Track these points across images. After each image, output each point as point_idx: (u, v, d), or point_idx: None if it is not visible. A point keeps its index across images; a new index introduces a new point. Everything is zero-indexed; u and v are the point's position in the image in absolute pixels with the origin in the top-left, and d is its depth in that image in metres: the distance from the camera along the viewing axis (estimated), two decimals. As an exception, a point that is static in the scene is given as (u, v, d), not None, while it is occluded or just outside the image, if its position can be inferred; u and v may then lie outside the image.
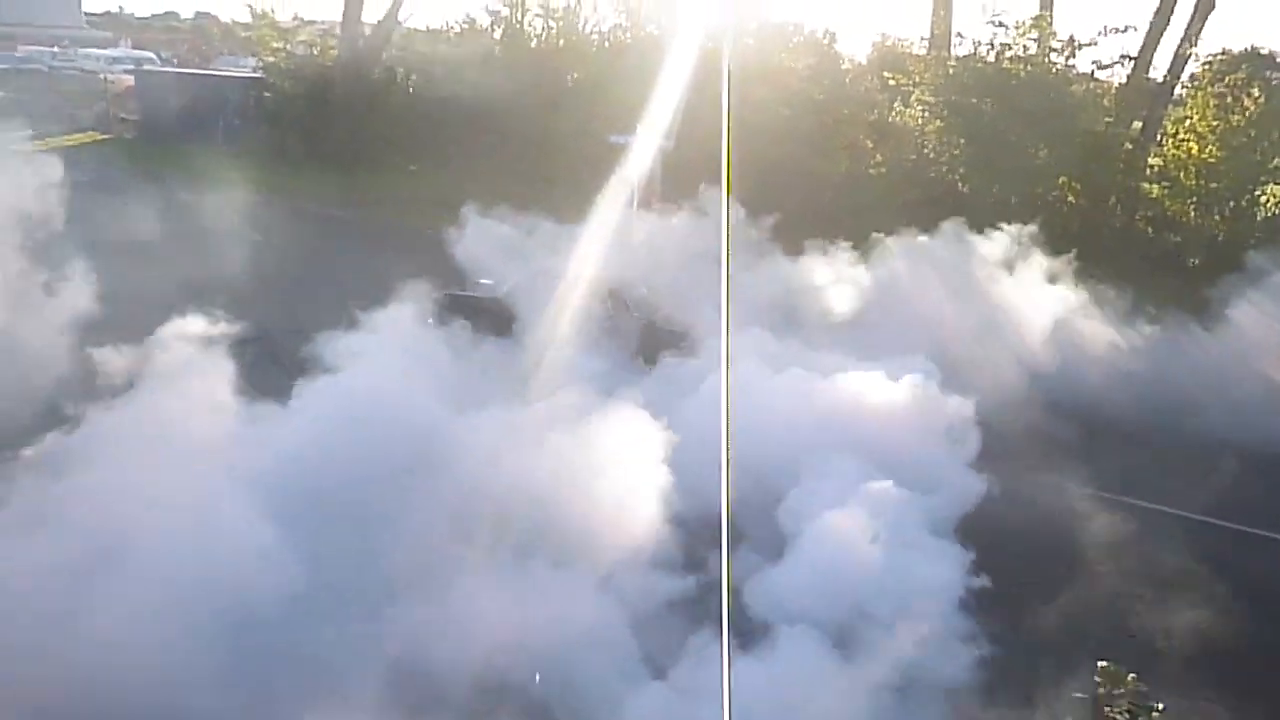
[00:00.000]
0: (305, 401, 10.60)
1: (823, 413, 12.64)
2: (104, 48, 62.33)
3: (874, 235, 20.16)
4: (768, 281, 18.20)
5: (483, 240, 17.68)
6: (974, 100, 28.12)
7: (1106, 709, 6.21)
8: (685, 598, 9.43)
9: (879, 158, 29.48)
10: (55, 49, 57.57)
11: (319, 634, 8.01)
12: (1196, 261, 25.94)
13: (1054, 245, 20.69)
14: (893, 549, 9.71)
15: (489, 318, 15.17)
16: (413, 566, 8.91)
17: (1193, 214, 27.37)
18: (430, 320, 14.22)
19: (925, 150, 29.41)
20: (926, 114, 29.50)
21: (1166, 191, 27.60)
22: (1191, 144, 27.24)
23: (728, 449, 5.08)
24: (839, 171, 28.60)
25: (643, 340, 15.96)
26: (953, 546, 10.26)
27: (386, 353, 11.77)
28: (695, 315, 15.44)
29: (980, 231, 20.51)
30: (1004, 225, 20.73)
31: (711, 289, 16.08)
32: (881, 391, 12.99)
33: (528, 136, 30.70)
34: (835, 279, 19.08)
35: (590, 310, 15.17)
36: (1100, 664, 6.42)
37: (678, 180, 20.42)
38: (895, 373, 13.32)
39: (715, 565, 9.63)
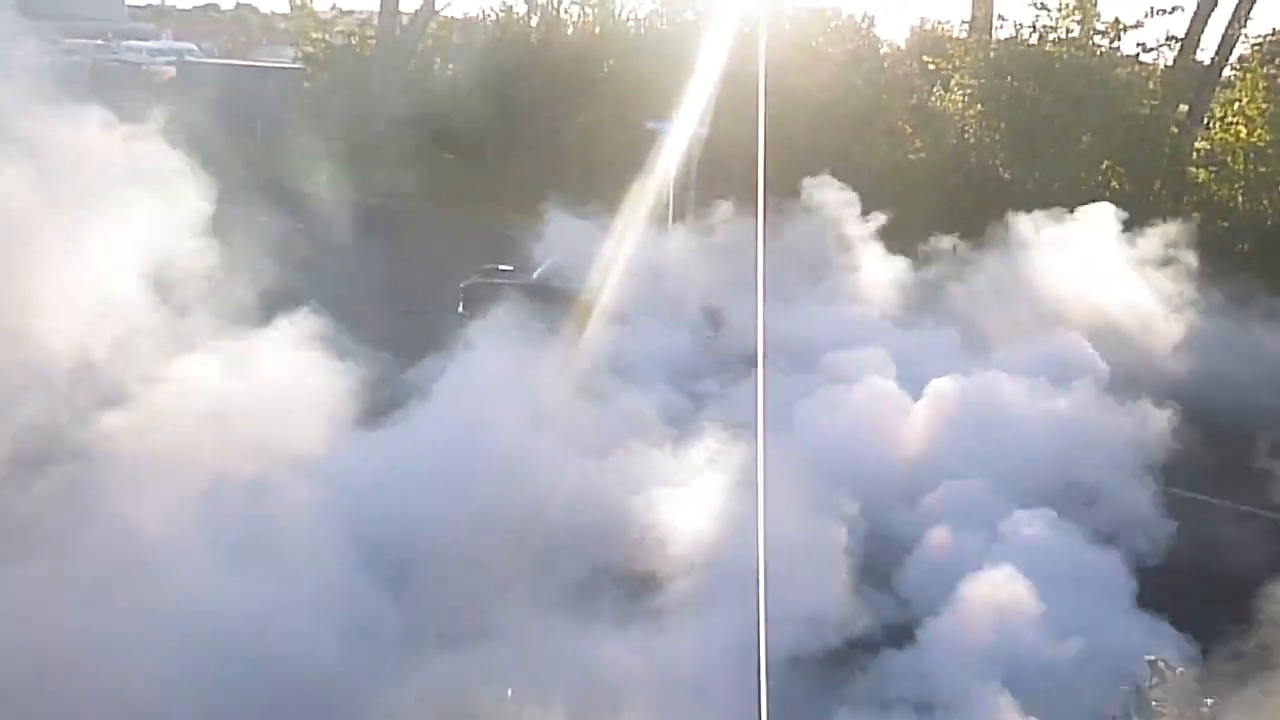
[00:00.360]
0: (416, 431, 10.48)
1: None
2: (146, 39, 62.99)
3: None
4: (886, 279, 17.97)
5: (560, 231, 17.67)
6: (1016, 84, 27.76)
7: (1154, 704, 6.12)
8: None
9: (918, 144, 29.18)
10: (99, 41, 58.26)
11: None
12: (1245, 247, 25.45)
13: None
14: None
15: (519, 304, 15.11)
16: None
17: (1241, 199, 26.86)
18: (460, 309, 14.22)
19: (966, 136, 29.07)
20: (967, 99, 29.13)
21: (1214, 176, 27.11)
22: (1240, 127, 26.72)
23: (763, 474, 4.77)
24: (878, 158, 28.33)
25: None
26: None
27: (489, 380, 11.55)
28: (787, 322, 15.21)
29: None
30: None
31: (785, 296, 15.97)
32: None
33: (566, 125, 30.67)
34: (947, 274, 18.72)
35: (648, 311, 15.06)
36: (1148, 658, 6.33)
37: (714, 168, 20.35)
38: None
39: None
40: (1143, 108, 27.47)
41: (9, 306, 9.34)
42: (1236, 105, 27.14)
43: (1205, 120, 27.88)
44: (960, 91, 29.34)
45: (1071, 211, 20.32)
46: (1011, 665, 8.37)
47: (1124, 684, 6.60)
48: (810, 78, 27.89)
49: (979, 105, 28.75)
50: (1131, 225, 19.93)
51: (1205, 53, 28.18)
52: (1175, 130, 27.68)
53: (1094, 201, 25.17)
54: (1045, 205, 20.98)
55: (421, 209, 28.21)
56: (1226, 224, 26.70)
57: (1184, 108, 27.96)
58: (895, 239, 19.76)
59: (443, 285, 14.51)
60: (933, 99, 30.28)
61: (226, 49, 62.72)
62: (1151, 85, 28.18)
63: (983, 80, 28.52)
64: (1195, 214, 27.09)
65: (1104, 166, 27.48)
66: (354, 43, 36.47)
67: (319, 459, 9.78)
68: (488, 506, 9.55)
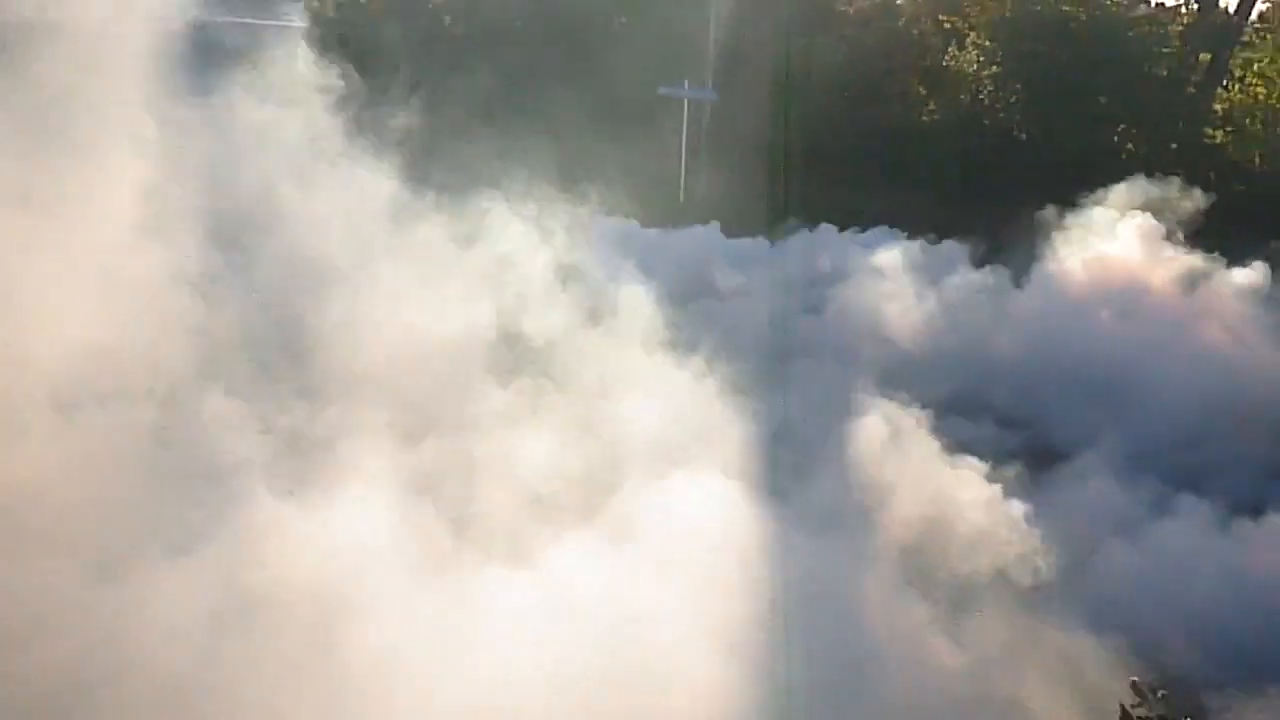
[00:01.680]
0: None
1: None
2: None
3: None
4: None
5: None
6: (1031, 44, 27.41)
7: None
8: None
9: (932, 105, 28.89)
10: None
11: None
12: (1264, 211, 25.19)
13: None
14: None
15: None
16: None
17: (1259, 161, 26.58)
18: None
19: (981, 97, 28.76)
20: (982, 59, 28.80)
21: (1232, 138, 26.80)
22: (1259, 88, 26.40)
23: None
24: (893, 119, 28.07)
25: None
26: None
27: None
28: None
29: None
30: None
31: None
32: None
33: (575, 84, 30.35)
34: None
35: None
36: (1132, 680, 6.38)
37: (727, 131, 20.18)
38: None
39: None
40: (1159, 68, 27.11)
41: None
42: (1256, 65, 26.79)
43: (1224, 80, 27.52)
44: (975, 51, 29.00)
45: (1086, 174, 20.21)
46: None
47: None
48: (824, 38, 27.58)
49: (994, 66, 28.42)
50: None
51: (1224, 12, 27.77)
52: (1193, 90, 27.35)
53: (1109, 164, 25.14)
54: (1060, 168, 20.88)
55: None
56: (1244, 187, 26.46)
57: (1202, 67, 27.60)
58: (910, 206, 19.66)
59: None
60: (948, 59, 29.93)
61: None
62: (1169, 46, 27.79)
63: (998, 40, 28.17)
64: (1212, 175, 27.07)
65: (1120, 128, 27.16)
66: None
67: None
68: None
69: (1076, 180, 20.89)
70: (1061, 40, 26.97)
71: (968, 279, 17.11)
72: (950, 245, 18.60)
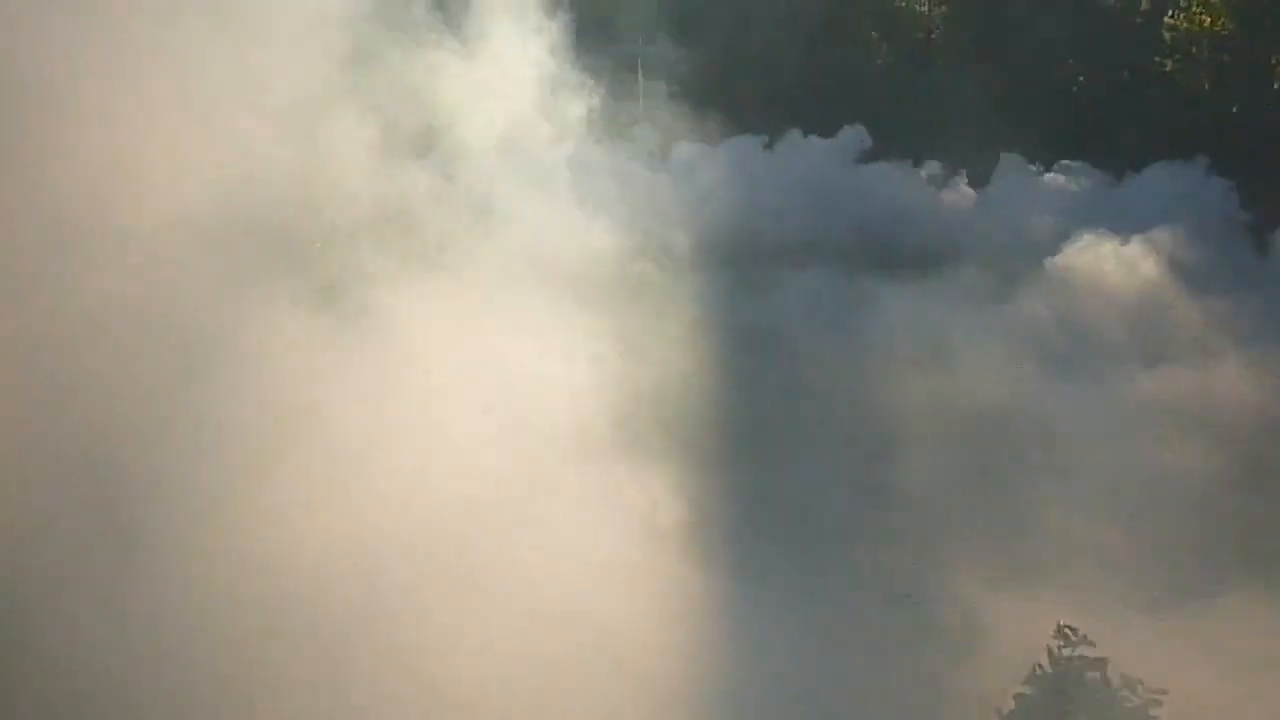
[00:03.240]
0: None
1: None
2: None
3: None
4: None
5: None
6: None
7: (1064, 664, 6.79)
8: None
9: (885, 48, 29.03)
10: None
11: None
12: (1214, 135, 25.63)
13: (1068, 125, 20.89)
14: None
15: None
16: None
17: (1207, 88, 26.92)
18: None
19: (933, 37, 28.94)
20: (932, -1, 28.94)
21: (1180, 65, 27.10)
22: (1204, 16, 26.62)
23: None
24: (848, 67, 28.22)
25: None
26: None
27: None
28: None
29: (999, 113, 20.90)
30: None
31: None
32: None
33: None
34: None
35: None
36: (1060, 624, 6.97)
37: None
38: None
39: None
40: (1108, -1, 27.35)
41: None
42: (1199, -8, 26.99)
43: (1170, 10, 27.73)
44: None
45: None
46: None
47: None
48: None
49: (943, 6, 28.57)
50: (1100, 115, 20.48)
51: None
52: (1140, 20, 27.59)
53: (1061, 98, 25.56)
54: (1013, 101, 21.50)
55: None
56: (1194, 114, 26.84)
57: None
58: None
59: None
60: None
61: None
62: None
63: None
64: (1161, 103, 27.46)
65: (1070, 61, 27.44)
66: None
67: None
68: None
69: (1032, 115, 21.56)
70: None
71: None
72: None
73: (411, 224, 10.62)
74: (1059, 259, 17.25)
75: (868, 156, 21.71)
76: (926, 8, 29.20)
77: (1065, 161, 22.04)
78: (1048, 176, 21.63)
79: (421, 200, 10.79)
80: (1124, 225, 17.94)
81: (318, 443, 7.90)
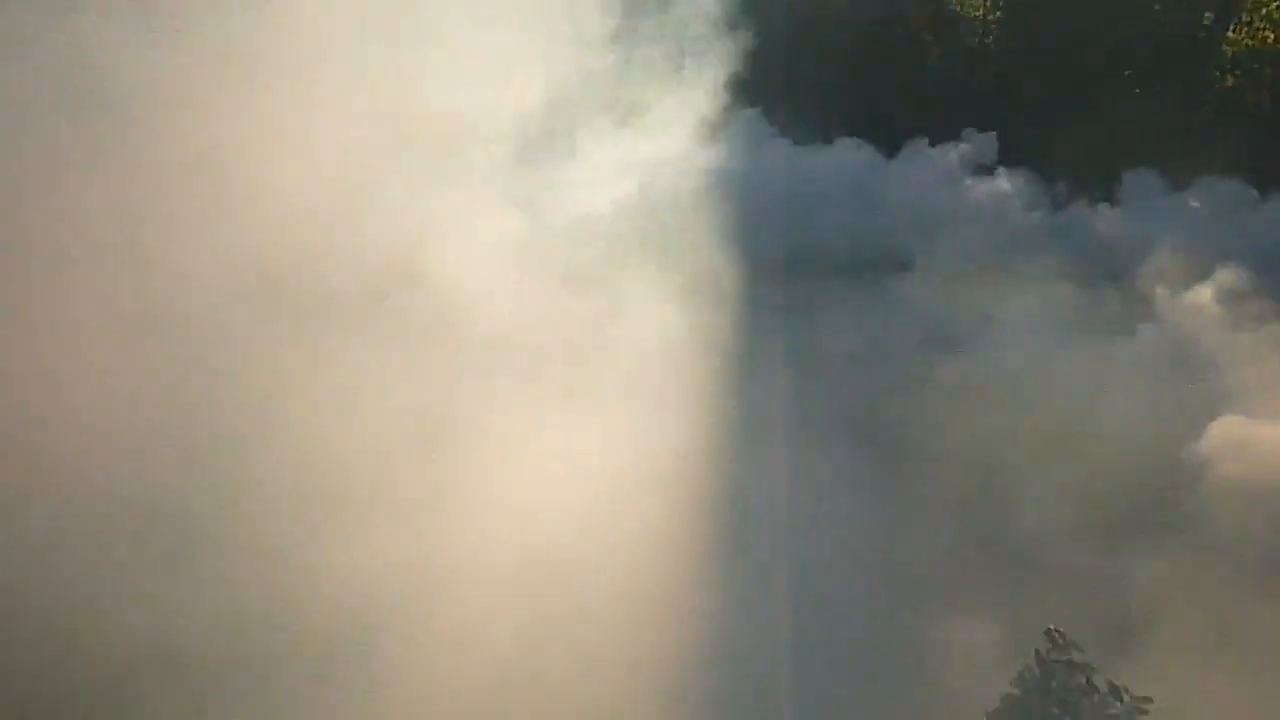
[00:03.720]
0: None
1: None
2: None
3: None
4: None
5: None
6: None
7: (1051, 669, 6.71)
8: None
9: (937, 51, 28.66)
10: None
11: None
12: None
13: (1121, 140, 20.52)
14: None
15: None
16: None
17: (1268, 105, 26.30)
18: None
19: (988, 42, 28.51)
20: (989, 3, 28.51)
21: (1242, 81, 26.51)
22: (1267, 32, 26.04)
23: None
24: (901, 66, 27.95)
25: None
26: None
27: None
28: None
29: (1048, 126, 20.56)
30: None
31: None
32: None
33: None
34: None
35: None
36: (1049, 628, 6.89)
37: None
38: None
39: None
40: (1170, 11, 26.77)
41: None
42: (1264, 10, 26.41)
43: (1233, 26, 27.15)
44: (983, -4, 28.67)
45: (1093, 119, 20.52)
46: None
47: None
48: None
49: (999, 11, 28.16)
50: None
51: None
52: (1203, 35, 27.01)
53: (1120, 108, 25.10)
54: (1067, 112, 21.17)
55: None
56: (1254, 131, 26.25)
57: (1210, 13, 27.23)
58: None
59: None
60: (954, 3, 29.63)
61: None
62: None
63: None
64: (1221, 120, 26.89)
65: (1128, 73, 26.91)
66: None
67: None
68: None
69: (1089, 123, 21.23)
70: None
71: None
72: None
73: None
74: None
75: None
76: (981, 12, 28.83)
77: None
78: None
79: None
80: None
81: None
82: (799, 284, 16.99)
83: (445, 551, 8.77)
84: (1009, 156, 21.47)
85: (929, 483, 12.21)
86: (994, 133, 21.54)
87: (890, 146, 22.01)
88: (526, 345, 10.57)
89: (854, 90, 24.76)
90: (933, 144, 21.87)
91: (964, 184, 20.72)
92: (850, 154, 21.29)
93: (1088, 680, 6.65)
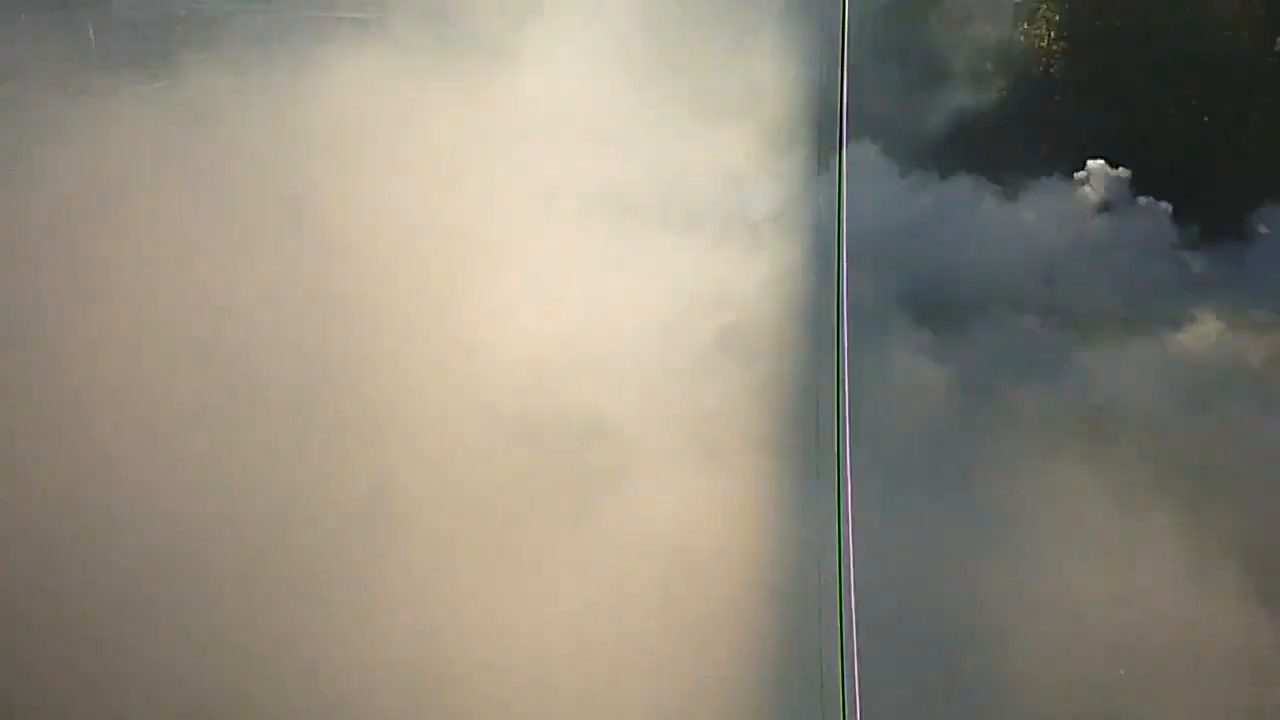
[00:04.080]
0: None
1: None
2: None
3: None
4: None
5: None
6: (1102, 18, 26.90)
7: None
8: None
9: (1001, 82, 28.41)
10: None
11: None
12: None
13: (1190, 170, 19.97)
14: None
15: None
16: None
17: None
18: None
19: (1050, 72, 28.27)
20: (1051, 34, 28.32)
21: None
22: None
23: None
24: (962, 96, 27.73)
25: None
26: None
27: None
28: None
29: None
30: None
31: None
32: None
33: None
34: None
35: None
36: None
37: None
38: None
39: None
40: (1240, 38, 26.48)
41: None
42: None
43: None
44: (1044, 25, 28.49)
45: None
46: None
47: None
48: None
49: (1063, 41, 27.95)
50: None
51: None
52: (1273, 61, 26.64)
53: (1185, 138, 24.69)
54: (1133, 145, 20.64)
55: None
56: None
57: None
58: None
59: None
60: (1015, 32, 29.43)
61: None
62: (1249, 14, 27.11)
63: (1067, 14, 27.72)
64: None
65: (1194, 101, 26.59)
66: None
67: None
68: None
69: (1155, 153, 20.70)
70: (1134, 12, 26.44)
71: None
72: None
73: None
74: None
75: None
76: (1045, 43, 28.62)
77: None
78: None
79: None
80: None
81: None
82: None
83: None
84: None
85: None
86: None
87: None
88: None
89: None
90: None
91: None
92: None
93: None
